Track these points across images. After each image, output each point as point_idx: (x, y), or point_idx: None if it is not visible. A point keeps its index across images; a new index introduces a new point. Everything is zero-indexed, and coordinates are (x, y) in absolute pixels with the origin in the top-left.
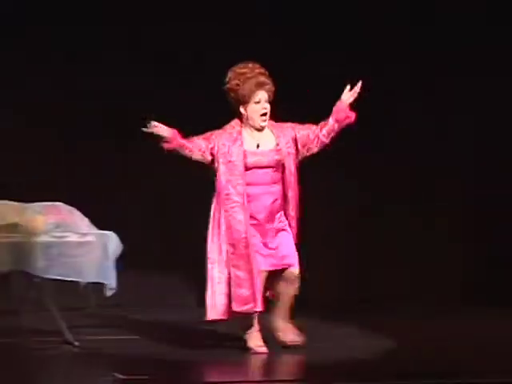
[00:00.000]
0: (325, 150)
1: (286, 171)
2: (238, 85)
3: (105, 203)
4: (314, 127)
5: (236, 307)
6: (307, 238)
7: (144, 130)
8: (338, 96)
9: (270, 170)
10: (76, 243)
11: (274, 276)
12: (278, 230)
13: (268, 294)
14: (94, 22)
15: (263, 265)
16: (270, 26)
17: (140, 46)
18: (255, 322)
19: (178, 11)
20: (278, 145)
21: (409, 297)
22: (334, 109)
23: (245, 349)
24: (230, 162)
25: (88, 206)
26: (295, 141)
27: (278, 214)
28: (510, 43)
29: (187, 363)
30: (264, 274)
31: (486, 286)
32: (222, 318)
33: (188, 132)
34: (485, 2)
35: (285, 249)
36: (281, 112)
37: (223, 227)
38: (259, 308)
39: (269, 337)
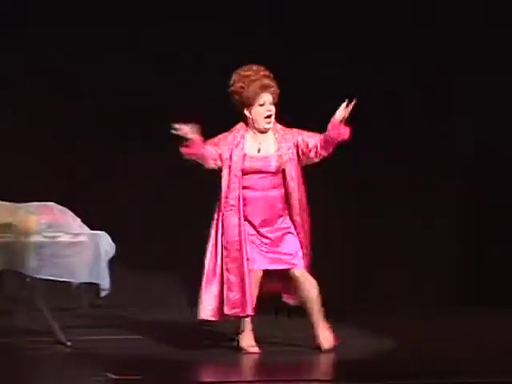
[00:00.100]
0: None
1: (287, 177)
2: (242, 87)
3: (105, 203)
4: (316, 137)
5: (226, 310)
6: None
7: (173, 132)
8: (338, 96)
9: (268, 175)
10: (68, 243)
11: (287, 281)
12: (282, 234)
13: (286, 298)
14: (94, 22)
15: (262, 264)
16: (270, 25)
17: (140, 46)
18: (248, 322)
19: (178, 11)
20: (278, 150)
21: (409, 297)
22: (329, 126)
23: (238, 349)
24: (230, 165)
25: (88, 205)
26: (297, 147)
27: (281, 219)
28: (510, 43)
29: (180, 363)
30: (259, 274)
31: (486, 286)
32: (212, 319)
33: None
34: (485, 2)
35: (286, 249)
36: (281, 112)
37: (220, 230)
38: (248, 312)
39: (265, 336)
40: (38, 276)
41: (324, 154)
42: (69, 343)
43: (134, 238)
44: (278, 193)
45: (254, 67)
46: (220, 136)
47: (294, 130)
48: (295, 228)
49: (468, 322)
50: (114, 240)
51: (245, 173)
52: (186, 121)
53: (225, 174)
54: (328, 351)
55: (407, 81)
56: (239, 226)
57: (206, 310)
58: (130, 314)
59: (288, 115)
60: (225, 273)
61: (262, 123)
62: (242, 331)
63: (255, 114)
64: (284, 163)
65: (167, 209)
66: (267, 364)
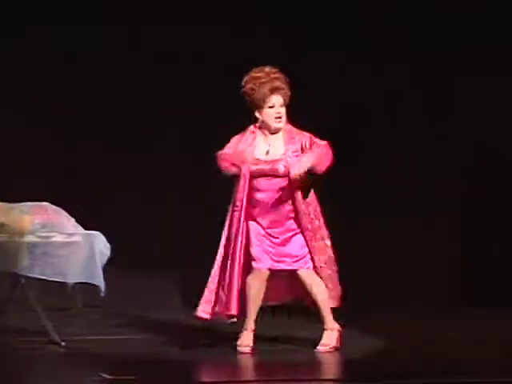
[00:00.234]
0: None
1: (292, 179)
2: (252, 89)
3: (105, 203)
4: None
5: (216, 308)
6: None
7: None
8: (338, 96)
9: (276, 178)
10: (62, 243)
11: (297, 282)
12: (290, 235)
13: (309, 304)
14: (94, 21)
15: (267, 263)
16: (270, 26)
17: (140, 46)
18: (250, 321)
19: (178, 11)
20: (285, 153)
21: (409, 297)
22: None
23: (234, 348)
24: (240, 168)
25: (88, 206)
26: (302, 151)
27: (290, 221)
28: (510, 43)
29: (178, 363)
30: (265, 273)
31: (486, 286)
32: (204, 317)
33: (188, 132)
34: (485, 2)
35: (293, 251)
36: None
37: (226, 231)
38: (232, 312)
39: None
40: (31, 275)
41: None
42: (63, 343)
43: (133, 238)
44: (286, 195)
45: (266, 69)
46: (234, 139)
47: (306, 133)
48: (302, 230)
49: (468, 322)
50: (113, 240)
51: (253, 175)
52: (186, 121)
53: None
54: (322, 352)
55: (407, 81)
56: (239, 227)
57: (203, 307)
58: (128, 313)
59: (288, 115)
60: (222, 272)
61: (272, 124)
62: (245, 330)
63: (265, 116)
64: (290, 165)
65: (167, 209)
66: (265, 364)
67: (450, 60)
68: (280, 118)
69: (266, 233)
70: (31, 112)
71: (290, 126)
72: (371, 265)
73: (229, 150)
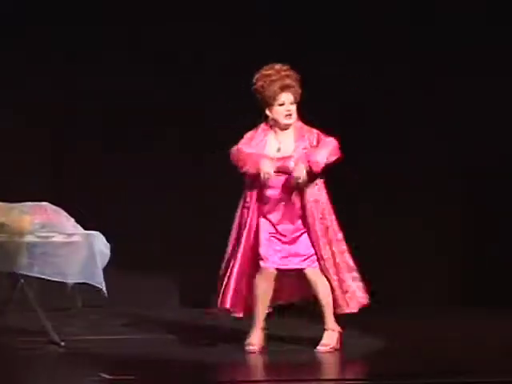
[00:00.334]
0: None
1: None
2: (262, 87)
3: (105, 203)
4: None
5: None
6: None
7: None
8: (338, 96)
9: (287, 175)
10: (62, 243)
11: (304, 282)
12: (299, 234)
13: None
14: (94, 21)
15: (274, 263)
16: (270, 26)
17: (140, 46)
18: (259, 320)
19: (178, 11)
20: (295, 150)
21: (409, 297)
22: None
23: (238, 349)
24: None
25: (88, 206)
26: (310, 147)
27: (299, 220)
28: (510, 43)
29: (177, 363)
30: (271, 272)
31: (486, 286)
32: (215, 309)
33: (188, 132)
34: (485, 2)
35: (300, 250)
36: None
37: (236, 227)
38: (225, 305)
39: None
40: (30, 274)
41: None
42: (62, 343)
43: (133, 238)
44: (296, 192)
45: (277, 66)
46: (247, 136)
47: (314, 130)
48: (308, 229)
49: (468, 322)
50: (113, 240)
51: None
52: (186, 121)
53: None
54: (323, 352)
55: (407, 81)
56: (247, 223)
57: (217, 299)
58: (128, 313)
59: (298, 112)
60: (228, 266)
61: (283, 121)
62: (254, 328)
63: (275, 114)
64: (299, 163)
65: (167, 209)
66: (265, 364)
67: (450, 60)
68: (290, 115)
69: (276, 230)
70: (31, 112)
71: (300, 123)
72: (371, 265)
73: (244, 146)
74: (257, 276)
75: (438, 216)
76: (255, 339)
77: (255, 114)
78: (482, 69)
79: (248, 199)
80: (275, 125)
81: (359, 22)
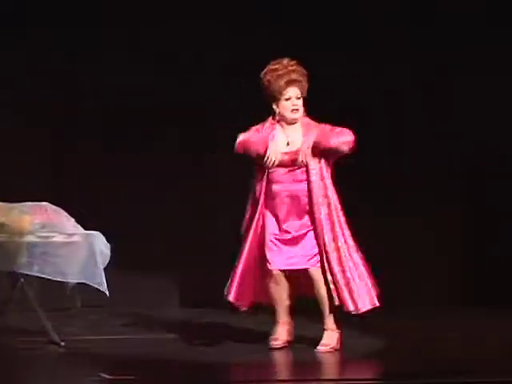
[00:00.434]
0: None
1: (310, 171)
2: (269, 81)
3: (105, 203)
4: (333, 137)
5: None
6: None
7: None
8: (338, 96)
9: (294, 169)
10: (62, 243)
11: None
12: (304, 232)
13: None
14: (94, 22)
15: (280, 264)
16: (270, 26)
17: (140, 46)
18: (283, 314)
19: (178, 11)
20: (303, 144)
21: (409, 297)
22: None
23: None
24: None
25: (88, 206)
26: (319, 141)
27: (306, 217)
28: (510, 43)
29: (175, 363)
30: (277, 274)
31: (486, 286)
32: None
33: (188, 132)
34: (485, 2)
35: (304, 249)
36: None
37: (246, 221)
38: (229, 298)
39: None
40: (30, 273)
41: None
42: (62, 343)
43: (133, 238)
44: (304, 187)
45: (284, 61)
46: (253, 128)
47: (322, 125)
48: (314, 225)
49: (468, 322)
50: (113, 240)
51: (272, 166)
52: (186, 121)
53: (257, 166)
54: (323, 352)
55: (407, 81)
56: (253, 218)
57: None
58: (128, 313)
59: (305, 107)
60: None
61: (289, 115)
62: (278, 324)
63: (282, 108)
64: (308, 157)
65: (167, 209)
66: (265, 363)
67: (450, 60)
68: (297, 109)
69: (281, 228)
70: (31, 112)
71: (307, 119)
72: (371, 265)
73: (251, 136)
74: (267, 279)
75: (437, 216)
76: (279, 334)
77: (255, 114)
78: (482, 69)
79: (257, 193)
80: (282, 119)
81: (359, 22)
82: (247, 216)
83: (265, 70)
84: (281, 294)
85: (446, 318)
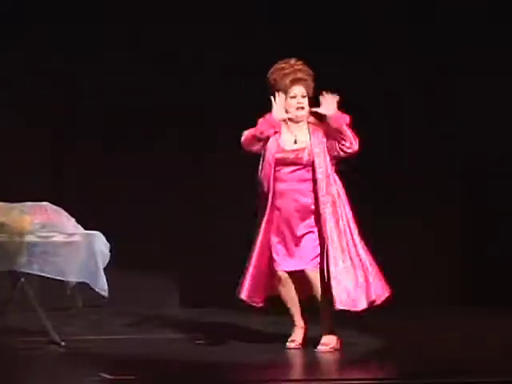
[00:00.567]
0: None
1: (316, 169)
2: (275, 79)
3: (105, 203)
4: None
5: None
6: None
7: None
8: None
9: (298, 168)
10: (62, 243)
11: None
12: (307, 232)
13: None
14: (94, 22)
15: (286, 266)
16: (270, 26)
17: (140, 46)
18: (296, 319)
19: (178, 11)
20: (310, 142)
21: (409, 297)
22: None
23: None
24: (265, 155)
25: (88, 206)
26: (327, 137)
27: (310, 217)
28: (510, 43)
29: (175, 363)
30: (283, 275)
31: (486, 286)
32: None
33: (188, 132)
34: (485, 2)
35: (306, 250)
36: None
37: (259, 219)
38: (241, 296)
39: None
40: (30, 271)
41: (344, 148)
42: (63, 343)
43: (133, 238)
44: (309, 186)
45: (291, 61)
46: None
47: (326, 123)
48: (319, 224)
49: (468, 322)
50: (113, 240)
51: (277, 164)
52: (186, 121)
53: (260, 162)
54: (322, 352)
55: (407, 81)
56: (263, 216)
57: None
58: (128, 313)
59: (311, 107)
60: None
61: (294, 113)
62: (295, 326)
63: (287, 106)
64: (313, 157)
65: (167, 209)
66: (265, 363)
67: (450, 60)
68: (302, 108)
69: (286, 228)
70: (31, 112)
71: (313, 118)
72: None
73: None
74: (276, 282)
75: (437, 216)
76: (296, 336)
77: (255, 114)
78: (482, 69)
79: (264, 192)
80: (288, 118)
81: (359, 22)
82: (259, 214)
83: (271, 69)
84: (289, 295)
85: (446, 318)
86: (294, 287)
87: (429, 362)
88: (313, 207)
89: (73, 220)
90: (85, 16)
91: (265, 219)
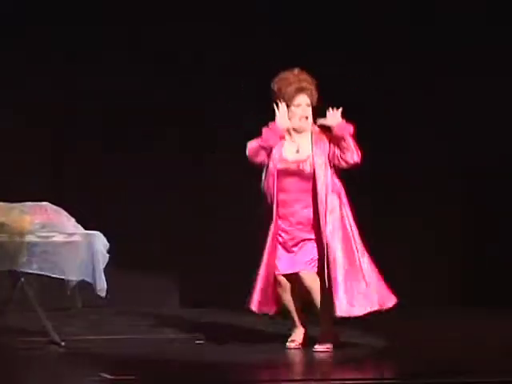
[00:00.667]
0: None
1: (317, 180)
2: (279, 89)
3: (105, 203)
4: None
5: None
6: None
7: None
8: (337, 96)
9: (300, 178)
10: (62, 243)
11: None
12: (308, 238)
13: None
14: (94, 22)
15: (285, 268)
16: (270, 26)
17: (140, 46)
18: (296, 319)
19: (178, 11)
20: (312, 153)
21: (409, 297)
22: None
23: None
24: (268, 165)
25: (88, 205)
26: (328, 151)
27: (310, 226)
28: (510, 43)
29: (175, 363)
30: (282, 279)
31: (486, 286)
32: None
33: (188, 132)
34: (485, 2)
35: (301, 256)
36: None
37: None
38: (251, 307)
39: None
40: (29, 271)
41: (346, 158)
42: (63, 343)
43: (133, 238)
44: (311, 196)
45: (296, 71)
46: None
47: (330, 134)
48: (320, 234)
49: (468, 322)
50: (113, 240)
51: (279, 175)
52: (186, 121)
53: (263, 173)
54: (320, 351)
55: (407, 81)
56: (268, 227)
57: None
58: (128, 313)
59: (314, 117)
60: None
61: (298, 123)
62: (294, 327)
63: (291, 115)
64: (315, 167)
65: (167, 209)
66: (264, 363)
67: (450, 60)
68: (306, 117)
69: (287, 236)
70: (31, 112)
71: (317, 128)
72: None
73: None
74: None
75: (437, 216)
76: (296, 336)
77: (255, 114)
78: (482, 69)
79: (269, 202)
80: (292, 128)
81: (359, 22)
82: (267, 222)
83: (276, 78)
84: (287, 297)
85: (446, 318)
86: (292, 289)
87: (429, 361)
88: (314, 217)
89: (73, 220)
90: (85, 16)
91: (271, 232)
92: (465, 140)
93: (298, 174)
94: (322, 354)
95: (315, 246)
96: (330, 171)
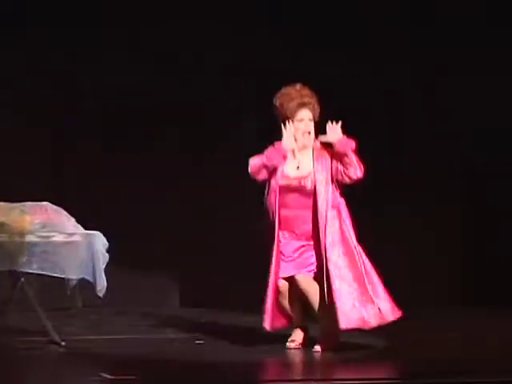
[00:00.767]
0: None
1: (317, 195)
2: (282, 104)
3: (105, 203)
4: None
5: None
6: None
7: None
8: (337, 96)
9: (301, 194)
10: (62, 243)
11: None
12: (306, 249)
13: None
14: (94, 22)
15: (285, 272)
16: (270, 26)
17: (140, 46)
18: (296, 320)
19: (178, 11)
20: (314, 169)
21: (409, 297)
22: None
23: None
24: (270, 181)
25: (88, 205)
26: (331, 167)
27: (311, 240)
28: (510, 43)
29: (175, 363)
30: (281, 283)
31: (486, 286)
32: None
33: (188, 132)
34: (485, 2)
35: (299, 262)
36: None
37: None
38: (266, 327)
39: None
40: (29, 271)
41: (349, 173)
42: (63, 343)
43: (133, 238)
44: (311, 214)
45: (298, 87)
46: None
47: (331, 150)
48: (320, 249)
49: (468, 322)
50: (113, 240)
51: (281, 191)
52: (186, 121)
53: (266, 190)
54: (318, 351)
55: (407, 81)
56: (273, 244)
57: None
58: (128, 313)
59: (316, 132)
60: None
61: (301, 139)
62: (294, 328)
63: (294, 130)
64: (317, 183)
65: (167, 209)
66: (264, 363)
67: (450, 60)
68: (309, 133)
69: (289, 248)
70: (31, 112)
71: (319, 144)
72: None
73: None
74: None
75: (437, 216)
76: (296, 336)
77: (255, 114)
78: (482, 69)
79: (271, 217)
80: (296, 148)
81: (359, 22)
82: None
83: (278, 94)
84: (284, 302)
85: (446, 318)
86: (290, 293)
87: (429, 361)
88: (314, 231)
89: (73, 220)
90: (85, 16)
91: (274, 251)
92: (465, 140)
93: (299, 190)
94: (322, 354)
95: (313, 254)
96: (331, 187)
